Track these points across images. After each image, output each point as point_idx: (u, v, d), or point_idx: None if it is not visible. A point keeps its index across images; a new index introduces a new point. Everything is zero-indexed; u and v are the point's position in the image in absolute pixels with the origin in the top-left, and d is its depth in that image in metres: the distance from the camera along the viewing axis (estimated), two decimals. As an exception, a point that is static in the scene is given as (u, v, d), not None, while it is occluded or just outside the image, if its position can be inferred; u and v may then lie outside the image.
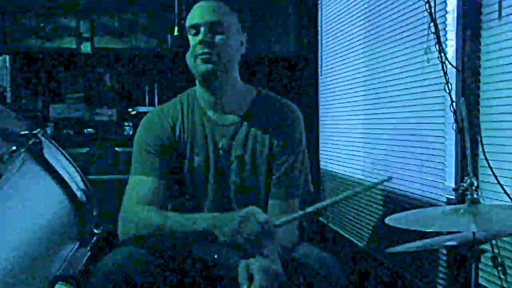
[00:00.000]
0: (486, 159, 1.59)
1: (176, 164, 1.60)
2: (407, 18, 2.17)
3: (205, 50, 1.49)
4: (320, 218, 3.29)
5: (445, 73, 1.75)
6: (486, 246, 1.45)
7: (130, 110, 3.37)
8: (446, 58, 1.75)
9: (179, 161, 1.60)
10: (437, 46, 1.76)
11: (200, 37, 1.50)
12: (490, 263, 1.40)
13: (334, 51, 3.08)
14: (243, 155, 1.56)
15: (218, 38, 1.51)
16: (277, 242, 1.39)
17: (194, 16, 1.53)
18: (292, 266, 1.38)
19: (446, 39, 1.88)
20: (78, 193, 1.34)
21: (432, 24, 1.78)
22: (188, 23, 1.55)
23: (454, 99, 1.76)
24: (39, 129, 1.19)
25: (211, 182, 1.58)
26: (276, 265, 1.28)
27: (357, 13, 2.71)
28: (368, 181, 2.58)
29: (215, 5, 1.53)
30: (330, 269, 1.38)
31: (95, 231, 1.51)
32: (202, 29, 1.51)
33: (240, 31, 1.58)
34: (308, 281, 1.35)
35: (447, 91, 1.75)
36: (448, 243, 1.35)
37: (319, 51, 3.33)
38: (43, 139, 1.19)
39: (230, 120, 1.59)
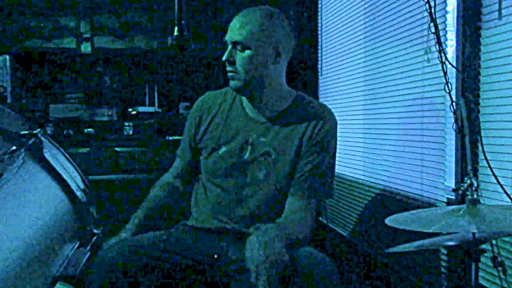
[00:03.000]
0: (486, 159, 1.59)
1: (205, 149, 1.68)
2: (407, 18, 2.17)
3: (228, 69, 1.58)
4: (320, 218, 3.29)
5: (445, 73, 1.75)
6: (486, 246, 1.45)
7: (130, 110, 3.38)
8: (446, 58, 1.75)
9: (209, 148, 1.67)
10: (437, 46, 1.76)
11: (224, 56, 1.58)
12: (490, 263, 1.40)
13: (334, 51, 3.08)
14: (270, 152, 1.60)
15: (239, 57, 1.57)
16: (288, 235, 1.40)
17: (228, 31, 1.60)
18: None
19: (446, 39, 1.88)
20: (78, 193, 1.34)
21: (432, 24, 1.78)
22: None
23: (454, 99, 1.76)
24: (39, 129, 1.19)
25: (232, 174, 1.62)
26: (278, 253, 1.29)
27: (357, 13, 2.71)
28: (368, 181, 2.58)
29: (246, 21, 1.57)
30: (324, 269, 1.37)
31: (95, 231, 1.52)
32: (228, 47, 1.58)
33: (275, 44, 1.60)
34: (302, 280, 1.34)
35: (447, 91, 1.75)
36: (448, 243, 1.35)
37: (319, 51, 3.33)
38: (43, 139, 1.19)
39: (264, 118, 1.64)
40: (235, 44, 1.56)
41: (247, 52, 1.56)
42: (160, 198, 1.72)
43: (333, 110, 3.09)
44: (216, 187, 1.65)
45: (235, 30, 1.57)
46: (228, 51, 1.58)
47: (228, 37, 1.59)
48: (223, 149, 1.64)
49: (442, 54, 1.74)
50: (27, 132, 1.17)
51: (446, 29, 1.89)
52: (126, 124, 3.29)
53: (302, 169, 1.58)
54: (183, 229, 1.66)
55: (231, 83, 1.60)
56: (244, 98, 1.68)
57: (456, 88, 1.82)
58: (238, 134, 1.64)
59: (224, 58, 1.58)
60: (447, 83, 1.75)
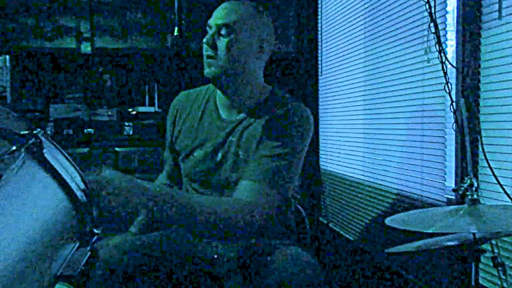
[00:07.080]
0: (486, 159, 1.59)
1: (181, 152, 1.64)
2: (407, 18, 2.17)
3: (207, 53, 1.49)
4: (320, 218, 3.29)
5: (445, 73, 1.75)
6: (486, 246, 1.45)
7: (130, 110, 3.38)
8: (446, 58, 1.75)
9: (185, 151, 1.63)
10: (437, 46, 1.76)
11: (205, 38, 1.49)
12: (490, 263, 1.40)
13: (334, 51, 3.08)
14: (238, 153, 1.54)
15: (222, 41, 1.47)
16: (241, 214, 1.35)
17: (213, 16, 1.51)
18: (272, 268, 1.35)
19: (446, 39, 1.88)
20: (78, 193, 1.34)
21: (432, 24, 1.78)
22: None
23: (454, 99, 1.76)
24: (39, 129, 1.19)
25: (207, 178, 1.58)
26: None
27: (357, 13, 2.71)
28: (368, 181, 2.58)
29: (235, 8, 1.49)
30: (309, 273, 1.32)
31: (95, 231, 1.51)
32: (210, 31, 1.50)
33: (261, 38, 1.53)
34: (281, 281, 1.30)
35: (447, 91, 1.75)
36: (448, 243, 1.35)
37: (319, 51, 3.33)
38: (43, 139, 1.19)
39: (235, 117, 1.57)
40: (220, 27, 1.47)
41: (232, 36, 1.47)
42: None
43: (333, 110, 3.13)
44: (192, 190, 1.61)
45: (223, 14, 1.48)
46: (210, 34, 1.48)
47: (212, 21, 1.49)
48: (198, 152, 1.58)
49: (442, 54, 1.74)
50: (27, 132, 1.16)
51: (446, 29, 1.89)
52: (126, 124, 3.29)
53: (259, 153, 1.46)
54: (178, 232, 1.65)
55: (208, 70, 1.49)
56: (218, 98, 1.60)
57: (456, 88, 1.82)
58: (211, 136, 1.57)
59: (205, 40, 1.48)
60: (447, 83, 1.75)
